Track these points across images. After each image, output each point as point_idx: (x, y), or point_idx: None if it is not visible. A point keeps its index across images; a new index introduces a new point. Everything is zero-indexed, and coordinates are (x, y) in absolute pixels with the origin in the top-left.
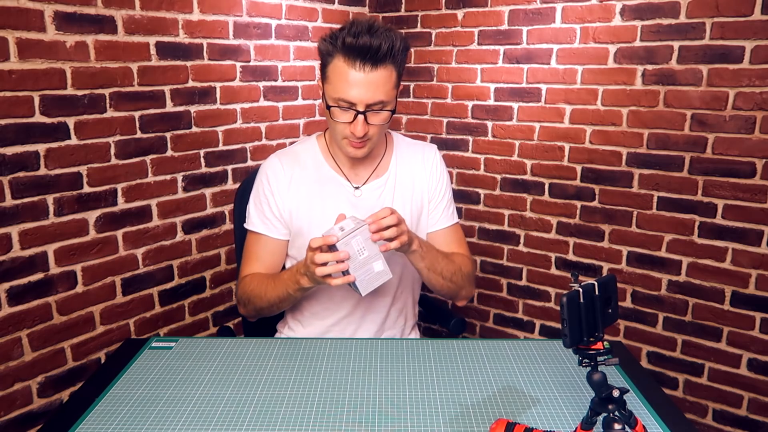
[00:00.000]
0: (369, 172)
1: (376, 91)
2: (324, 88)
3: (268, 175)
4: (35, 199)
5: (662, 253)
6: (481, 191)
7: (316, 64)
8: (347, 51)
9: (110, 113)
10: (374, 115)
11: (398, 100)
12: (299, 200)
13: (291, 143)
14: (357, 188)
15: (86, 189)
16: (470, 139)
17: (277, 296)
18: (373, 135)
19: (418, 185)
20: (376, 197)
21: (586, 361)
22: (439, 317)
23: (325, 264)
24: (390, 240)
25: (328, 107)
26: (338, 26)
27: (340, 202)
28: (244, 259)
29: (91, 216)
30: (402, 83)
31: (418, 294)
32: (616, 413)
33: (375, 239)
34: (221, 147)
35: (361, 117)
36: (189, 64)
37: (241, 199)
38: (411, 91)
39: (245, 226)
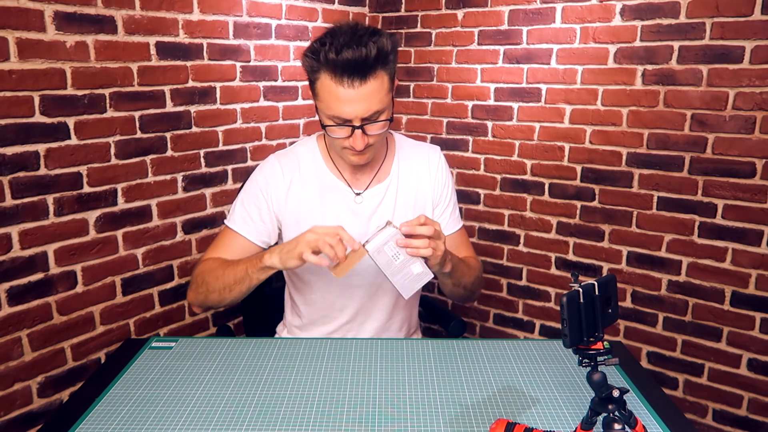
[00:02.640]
0: (370, 178)
1: (370, 103)
2: (316, 105)
3: (267, 178)
4: (35, 199)
5: (662, 253)
6: (481, 191)
7: None
8: (332, 68)
9: (110, 113)
10: (372, 126)
11: (398, 100)
12: (299, 206)
13: (291, 143)
14: (358, 194)
15: (86, 189)
16: (470, 139)
17: (234, 277)
18: (374, 142)
19: (422, 190)
20: (376, 203)
21: (586, 361)
22: (438, 318)
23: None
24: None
25: (324, 126)
26: (330, 25)
27: (340, 208)
28: (212, 247)
29: (91, 216)
30: (402, 83)
31: (418, 302)
32: (616, 413)
33: (400, 244)
34: (221, 147)
35: (358, 131)
36: (189, 64)
37: None
38: (411, 91)
39: (225, 222)
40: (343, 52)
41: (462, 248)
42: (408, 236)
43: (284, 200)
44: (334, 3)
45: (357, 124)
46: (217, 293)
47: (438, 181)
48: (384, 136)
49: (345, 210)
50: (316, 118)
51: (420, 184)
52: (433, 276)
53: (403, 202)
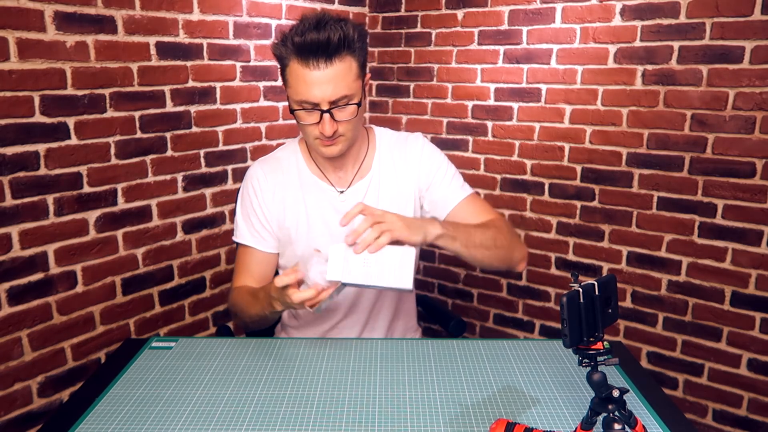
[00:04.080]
0: (352, 175)
1: (337, 86)
2: (287, 94)
3: (253, 185)
4: (35, 199)
5: (662, 253)
6: (481, 191)
7: None
8: (298, 51)
9: (110, 113)
10: (340, 111)
11: (398, 100)
12: (285, 208)
13: None
14: (342, 192)
15: (86, 189)
16: (470, 139)
17: (258, 314)
18: (345, 132)
19: (403, 179)
20: (360, 199)
21: (586, 361)
22: (438, 318)
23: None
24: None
25: (292, 111)
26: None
27: (324, 207)
28: (235, 271)
29: (91, 216)
30: (402, 83)
31: (413, 301)
32: (616, 413)
33: (359, 251)
34: (221, 147)
35: (326, 116)
36: (189, 64)
37: None
38: (411, 91)
39: (234, 238)
40: (307, 34)
41: (481, 213)
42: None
43: (272, 204)
44: (334, 3)
45: (325, 107)
46: (253, 324)
47: (422, 163)
48: (357, 126)
49: (329, 209)
50: None
51: (400, 173)
52: (415, 250)
53: (386, 194)
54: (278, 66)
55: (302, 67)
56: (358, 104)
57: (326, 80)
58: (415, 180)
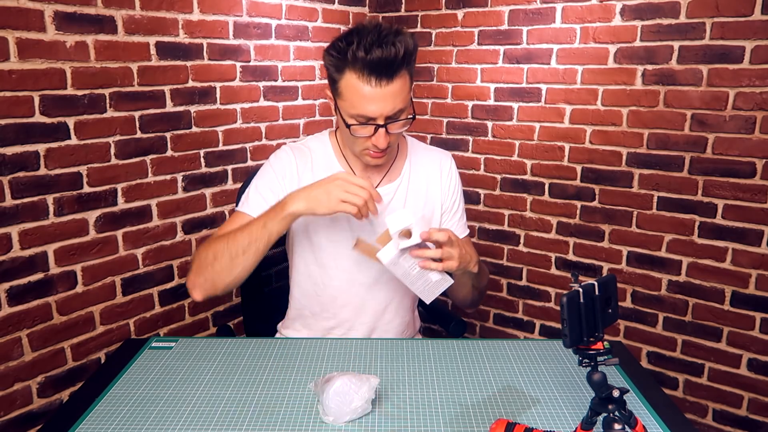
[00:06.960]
0: (381, 176)
1: (395, 102)
2: (338, 104)
3: (283, 167)
4: (35, 199)
5: (662, 253)
6: (481, 191)
7: (317, 64)
8: (360, 67)
9: (110, 113)
10: (394, 124)
11: None
12: None
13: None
14: None
15: (86, 189)
16: (470, 139)
17: (250, 237)
18: (393, 142)
19: (432, 193)
20: (386, 202)
21: (586, 361)
22: (438, 319)
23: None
24: (437, 260)
25: (348, 125)
26: (338, 27)
27: None
28: (219, 230)
29: (91, 216)
30: None
31: (417, 300)
32: (616, 413)
33: (413, 256)
34: (221, 147)
35: (382, 130)
36: (189, 64)
37: None
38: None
39: (238, 209)
40: (372, 51)
41: None
42: (423, 244)
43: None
44: (334, 3)
45: (381, 122)
46: (227, 261)
47: (449, 187)
48: (401, 134)
49: None
50: (316, 118)
51: (430, 187)
52: (452, 281)
53: (412, 203)
54: (329, 75)
55: (362, 82)
56: (412, 117)
57: (385, 97)
58: (440, 198)
